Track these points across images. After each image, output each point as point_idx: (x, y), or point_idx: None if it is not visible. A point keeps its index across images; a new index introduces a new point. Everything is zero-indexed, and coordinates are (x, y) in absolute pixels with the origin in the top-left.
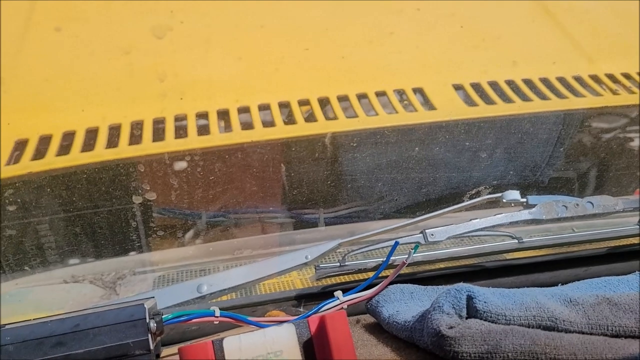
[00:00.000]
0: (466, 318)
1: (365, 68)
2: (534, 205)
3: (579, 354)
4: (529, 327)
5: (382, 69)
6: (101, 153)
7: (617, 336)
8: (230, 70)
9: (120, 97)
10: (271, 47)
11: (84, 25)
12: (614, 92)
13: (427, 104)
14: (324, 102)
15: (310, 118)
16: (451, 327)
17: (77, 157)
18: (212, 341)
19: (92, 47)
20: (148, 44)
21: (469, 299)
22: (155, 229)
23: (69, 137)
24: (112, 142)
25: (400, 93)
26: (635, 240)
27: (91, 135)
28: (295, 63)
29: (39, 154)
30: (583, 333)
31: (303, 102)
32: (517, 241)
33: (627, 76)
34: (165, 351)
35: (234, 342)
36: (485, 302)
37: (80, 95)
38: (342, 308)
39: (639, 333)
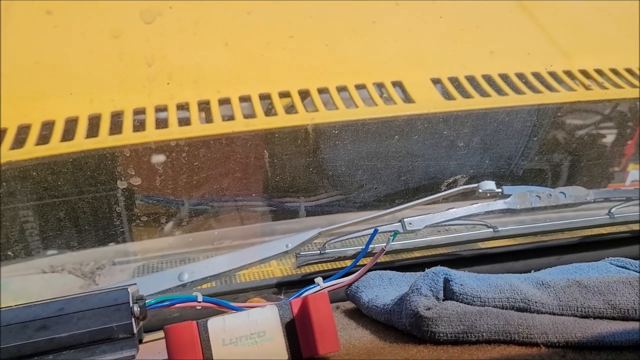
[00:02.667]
0: (443, 300)
1: (345, 61)
2: (508, 195)
3: (550, 333)
4: (502, 308)
5: (361, 63)
6: (81, 142)
7: (586, 317)
8: (217, 55)
9: (109, 80)
10: (257, 34)
11: (75, 9)
12: (587, 88)
13: (406, 97)
14: (304, 95)
15: (290, 110)
16: (428, 309)
17: (56, 147)
18: (197, 321)
19: (83, 31)
20: (137, 28)
21: (446, 281)
22: (134, 219)
23: (48, 126)
24: (92, 131)
25: (380, 86)
26: (605, 230)
27: (71, 124)
28: (280, 50)
29: (18, 143)
30: (554, 314)
31: (284, 94)
32: (492, 230)
33: (599, 72)
34: (147, 337)
35: (218, 323)
36: (461, 284)
37: (70, 79)
38: None
39: (606, 314)
